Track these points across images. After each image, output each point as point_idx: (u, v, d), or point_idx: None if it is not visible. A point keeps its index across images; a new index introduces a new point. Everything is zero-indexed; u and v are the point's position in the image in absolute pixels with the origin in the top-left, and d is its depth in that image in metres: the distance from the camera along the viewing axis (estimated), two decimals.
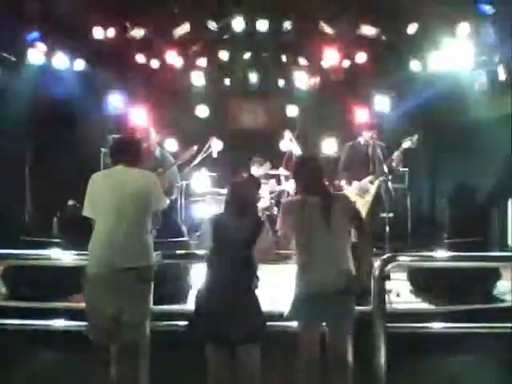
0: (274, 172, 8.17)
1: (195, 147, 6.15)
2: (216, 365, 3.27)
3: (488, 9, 6.88)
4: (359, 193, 5.99)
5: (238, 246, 3.27)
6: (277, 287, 4.67)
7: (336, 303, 3.36)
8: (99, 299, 3.28)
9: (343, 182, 6.11)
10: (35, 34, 7.55)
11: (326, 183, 3.70)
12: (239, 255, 3.26)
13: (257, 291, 3.36)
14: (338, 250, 3.42)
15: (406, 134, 6.10)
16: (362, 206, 5.95)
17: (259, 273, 3.39)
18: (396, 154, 5.88)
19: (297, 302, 3.41)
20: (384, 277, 3.82)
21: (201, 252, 3.53)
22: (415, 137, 5.85)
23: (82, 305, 3.52)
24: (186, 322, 3.69)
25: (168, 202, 5.97)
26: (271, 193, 7.99)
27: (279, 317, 3.61)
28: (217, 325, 3.19)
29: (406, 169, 8.26)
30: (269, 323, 3.37)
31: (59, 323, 4.23)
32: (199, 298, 3.33)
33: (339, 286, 3.35)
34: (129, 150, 3.52)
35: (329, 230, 3.37)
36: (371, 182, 6.04)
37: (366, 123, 6.25)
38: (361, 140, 6.25)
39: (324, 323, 3.45)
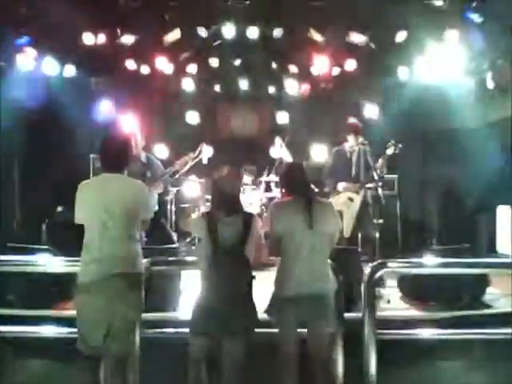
0: (264, 178, 8.19)
1: (191, 154, 6.15)
2: (201, 359, 3.29)
3: (475, 16, 6.94)
4: (346, 202, 6.03)
5: (231, 244, 3.25)
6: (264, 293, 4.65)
7: (313, 306, 3.41)
8: (90, 308, 3.25)
9: (328, 189, 6.17)
10: (24, 39, 7.50)
11: (315, 189, 3.83)
12: (233, 254, 3.25)
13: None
14: (319, 253, 3.48)
15: (394, 141, 6.13)
16: (350, 216, 5.99)
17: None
18: (380, 162, 5.93)
19: (275, 302, 3.50)
20: (374, 283, 3.83)
21: (190, 258, 3.52)
22: (399, 145, 5.90)
23: (71, 312, 3.49)
24: (175, 330, 3.71)
25: (157, 208, 5.98)
26: (261, 199, 8.00)
27: (267, 323, 3.60)
28: (215, 318, 3.20)
29: (395, 175, 8.30)
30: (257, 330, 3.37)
31: (47, 330, 4.19)
32: (199, 299, 3.32)
33: (318, 290, 3.43)
34: (116, 156, 3.48)
35: (310, 233, 3.45)
36: (356, 192, 6.07)
37: (352, 128, 6.27)
38: (346, 146, 6.30)
39: (303, 327, 3.49)
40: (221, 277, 3.23)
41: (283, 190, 3.96)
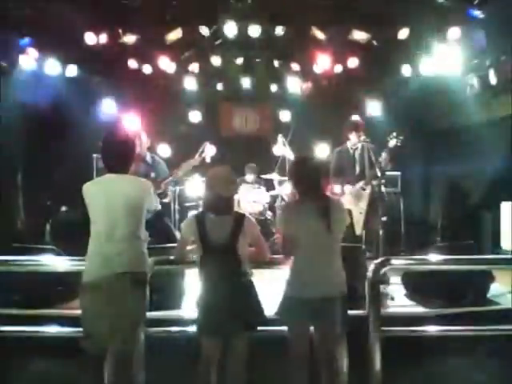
0: (267, 176, 8.19)
1: (197, 157, 6.14)
2: (211, 356, 3.31)
3: (478, 13, 6.93)
4: (354, 200, 6.04)
5: (223, 244, 3.27)
6: (265, 292, 4.66)
7: (326, 308, 3.36)
8: (94, 306, 3.25)
9: (337, 189, 6.14)
10: (27, 40, 7.51)
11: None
12: (224, 254, 3.26)
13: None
14: (333, 254, 3.45)
15: (396, 133, 6.10)
16: (359, 213, 5.99)
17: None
18: (383, 156, 5.89)
19: (286, 303, 3.44)
20: (378, 281, 3.82)
21: (193, 257, 3.51)
22: (400, 137, 5.86)
23: (76, 311, 3.49)
24: (180, 328, 3.73)
25: (160, 207, 5.97)
26: (265, 197, 8.01)
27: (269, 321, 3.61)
28: (215, 319, 3.24)
29: (399, 172, 8.28)
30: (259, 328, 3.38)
31: (52, 330, 4.20)
32: (199, 300, 3.34)
33: (332, 292, 3.38)
34: (119, 157, 3.48)
35: (326, 234, 3.37)
36: (363, 189, 6.07)
37: (353, 125, 6.24)
38: (348, 144, 6.30)
39: (312, 327, 3.47)
40: (213, 276, 3.27)
41: (296, 188, 3.57)
